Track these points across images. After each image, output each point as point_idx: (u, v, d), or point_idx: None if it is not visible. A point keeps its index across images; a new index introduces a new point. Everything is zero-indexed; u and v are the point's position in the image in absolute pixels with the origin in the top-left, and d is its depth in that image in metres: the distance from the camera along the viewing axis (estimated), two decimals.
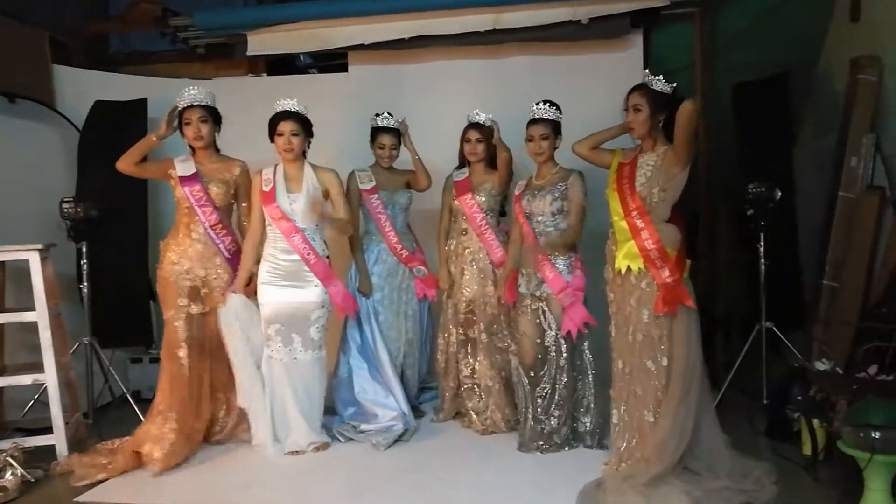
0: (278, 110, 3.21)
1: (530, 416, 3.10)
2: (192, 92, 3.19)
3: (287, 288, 3.17)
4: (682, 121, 2.62)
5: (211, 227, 3.20)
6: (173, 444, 3.02)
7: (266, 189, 3.18)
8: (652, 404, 2.69)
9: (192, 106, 3.17)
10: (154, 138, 3.16)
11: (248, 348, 3.16)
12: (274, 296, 3.16)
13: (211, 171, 3.25)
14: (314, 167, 3.29)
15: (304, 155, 3.28)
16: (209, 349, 3.24)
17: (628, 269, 2.75)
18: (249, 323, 3.18)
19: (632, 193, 2.77)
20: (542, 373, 3.09)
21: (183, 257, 3.18)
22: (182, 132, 3.22)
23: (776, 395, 3.26)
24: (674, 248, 2.72)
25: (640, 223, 2.73)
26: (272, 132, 3.21)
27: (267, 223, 3.21)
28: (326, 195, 3.28)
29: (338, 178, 3.31)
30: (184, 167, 3.20)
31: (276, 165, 3.26)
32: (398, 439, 3.25)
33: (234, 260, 3.26)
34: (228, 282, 3.23)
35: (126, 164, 3.16)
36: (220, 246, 3.22)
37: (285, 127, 3.17)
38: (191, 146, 3.27)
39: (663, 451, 2.62)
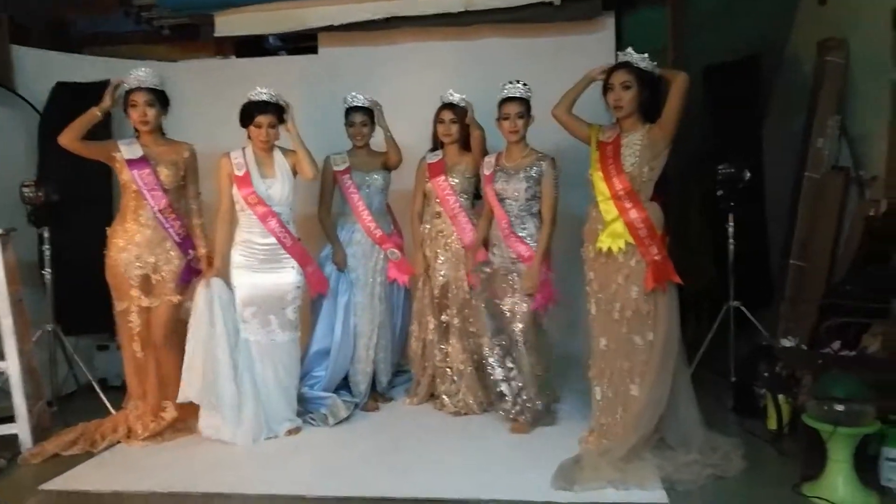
0: (255, 100, 3.13)
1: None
2: (140, 73, 3.10)
3: (263, 271, 3.16)
4: (680, 90, 2.66)
5: (160, 211, 3.12)
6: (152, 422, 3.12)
7: (239, 173, 3.14)
8: (638, 378, 2.74)
9: (139, 88, 3.08)
10: (97, 112, 3.07)
11: (214, 333, 3.06)
12: (250, 278, 3.15)
13: (159, 153, 3.16)
14: (282, 150, 3.26)
15: None
16: (154, 342, 3.17)
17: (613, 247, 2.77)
18: (230, 306, 3.12)
19: (618, 174, 2.77)
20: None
21: (131, 243, 3.11)
22: (127, 114, 3.14)
23: (743, 373, 3.33)
24: (660, 226, 2.76)
25: (627, 203, 2.75)
26: (246, 120, 3.15)
27: (240, 208, 3.17)
28: (296, 174, 3.26)
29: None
30: (130, 150, 3.12)
31: (243, 148, 3.22)
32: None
33: (184, 244, 3.19)
34: (180, 267, 3.17)
35: (67, 138, 3.05)
36: (171, 230, 3.15)
37: (263, 120, 3.12)
38: (135, 128, 3.18)
39: (639, 421, 2.67)
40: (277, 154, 3.24)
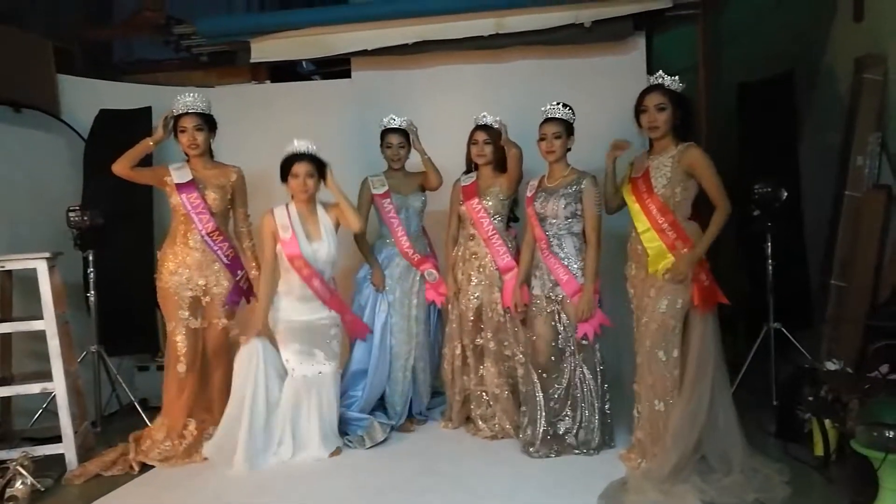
0: (293, 152, 3.14)
1: (542, 419, 3.09)
2: (187, 99, 3.16)
3: (303, 309, 3.17)
4: (719, 223, 2.76)
5: (208, 234, 3.17)
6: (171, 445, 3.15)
7: (286, 236, 3.13)
8: (661, 394, 2.73)
9: (187, 113, 3.15)
10: (150, 143, 3.15)
11: (255, 389, 3.06)
12: (291, 314, 3.16)
13: (207, 177, 3.23)
14: (324, 206, 3.27)
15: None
16: (204, 363, 3.22)
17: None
18: (270, 364, 3.11)
19: (655, 203, 2.80)
20: (555, 375, 3.09)
21: (181, 266, 3.17)
22: (177, 138, 3.21)
23: (786, 396, 3.25)
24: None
25: (671, 234, 2.77)
26: (285, 174, 3.15)
27: (285, 268, 3.18)
28: (338, 227, 3.27)
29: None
30: (180, 174, 3.19)
31: (286, 205, 3.21)
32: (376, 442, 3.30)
33: (232, 266, 3.24)
34: (228, 289, 3.21)
35: (121, 167, 3.13)
36: (219, 253, 3.20)
37: (300, 169, 3.11)
38: (185, 153, 3.25)
39: (675, 440, 2.65)
40: (321, 212, 3.23)
